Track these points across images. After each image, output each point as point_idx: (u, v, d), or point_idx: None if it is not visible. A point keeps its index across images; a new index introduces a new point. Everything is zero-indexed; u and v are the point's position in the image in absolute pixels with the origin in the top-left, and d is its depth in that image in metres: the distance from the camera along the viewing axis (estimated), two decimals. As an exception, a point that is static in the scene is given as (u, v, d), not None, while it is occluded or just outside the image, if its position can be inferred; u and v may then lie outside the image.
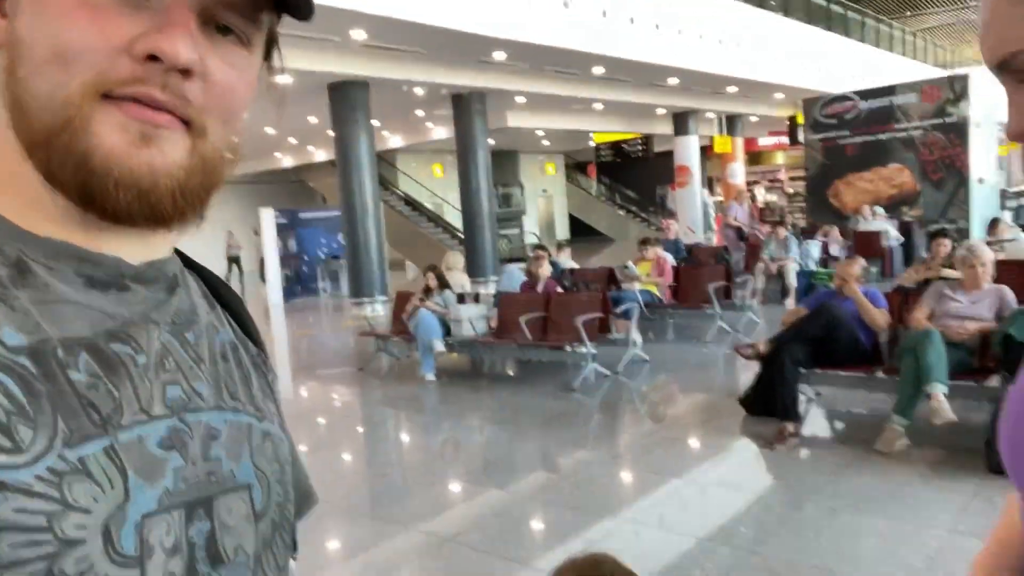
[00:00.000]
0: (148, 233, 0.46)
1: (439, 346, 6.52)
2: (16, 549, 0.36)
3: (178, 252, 0.53)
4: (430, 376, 6.59)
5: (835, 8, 19.57)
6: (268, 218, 15.00)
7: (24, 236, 0.43)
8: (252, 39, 0.47)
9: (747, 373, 5.30)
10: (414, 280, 14.68)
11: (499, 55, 11.29)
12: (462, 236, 14.52)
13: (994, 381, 4.03)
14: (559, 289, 6.97)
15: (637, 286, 7.50)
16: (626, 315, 6.55)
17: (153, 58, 0.41)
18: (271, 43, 0.50)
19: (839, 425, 4.86)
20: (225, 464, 0.47)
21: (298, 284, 15.95)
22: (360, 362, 7.74)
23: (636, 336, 6.50)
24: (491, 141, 14.69)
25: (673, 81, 15.06)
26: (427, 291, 6.95)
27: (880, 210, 11.73)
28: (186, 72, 0.42)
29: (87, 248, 0.44)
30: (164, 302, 0.48)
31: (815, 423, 4.79)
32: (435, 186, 22.09)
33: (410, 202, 20.65)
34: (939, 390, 3.89)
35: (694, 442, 4.75)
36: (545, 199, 26.37)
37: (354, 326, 9.91)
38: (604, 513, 3.60)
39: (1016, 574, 0.85)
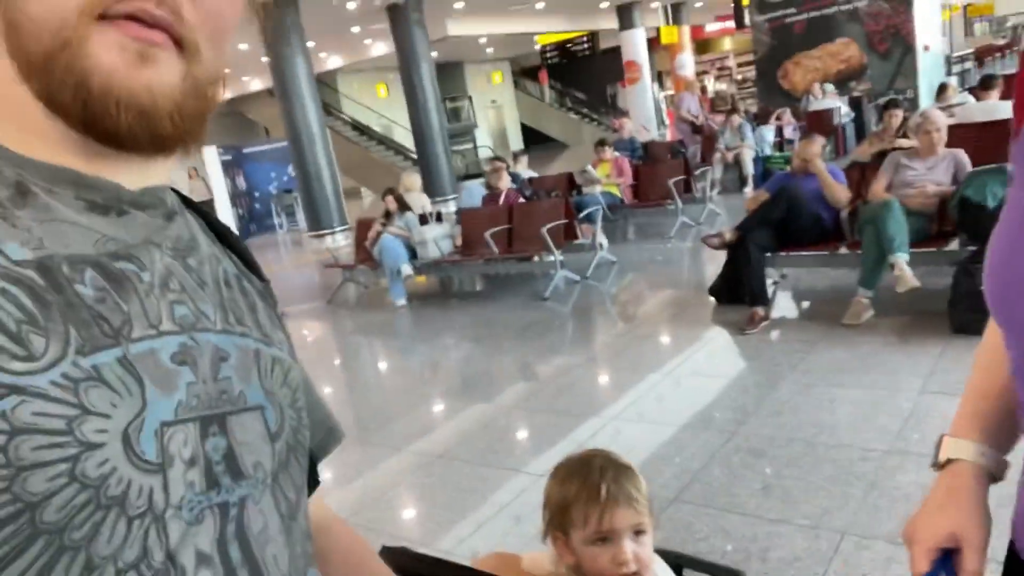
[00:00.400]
0: (146, 160, 0.46)
1: (407, 270, 6.47)
2: (38, 451, 0.36)
3: (174, 191, 0.53)
4: (401, 301, 6.56)
5: None
6: (211, 156, 14.45)
7: (22, 161, 0.42)
8: None
9: (713, 264, 5.36)
10: (372, 206, 14.43)
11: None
12: (415, 157, 14.20)
13: (954, 245, 4.13)
14: (521, 200, 6.90)
15: (598, 189, 7.46)
16: (590, 219, 6.53)
17: None
18: None
19: (806, 304, 4.99)
20: (235, 385, 0.47)
21: (252, 222, 15.57)
22: (327, 295, 7.66)
23: (602, 239, 6.51)
24: (434, 53, 14.16)
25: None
26: (388, 215, 6.83)
27: (830, 87, 11.71)
28: None
29: (85, 172, 0.44)
30: (163, 227, 0.48)
31: (784, 304, 4.91)
32: (381, 107, 21.41)
33: (357, 126, 20.04)
34: (901, 258, 3.98)
35: (667, 336, 4.84)
36: (495, 110, 25.78)
37: (317, 259, 9.76)
38: (587, 414, 3.68)
39: (999, 417, 0.86)
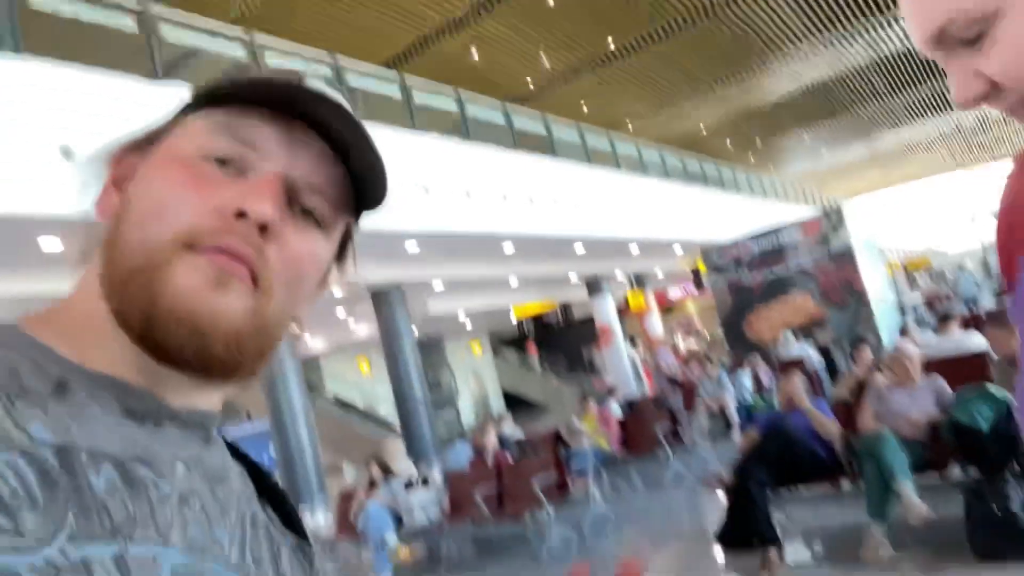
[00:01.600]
0: (197, 382, 0.47)
1: (392, 539, 6.08)
2: None
3: (227, 443, 0.54)
4: (386, 575, 6.07)
5: (708, 168, 21.68)
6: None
7: (71, 366, 0.44)
8: (329, 226, 0.51)
9: (714, 510, 5.13)
10: (354, 483, 13.96)
11: (412, 247, 11.70)
12: (399, 431, 14.12)
13: (955, 470, 4.04)
14: (509, 459, 6.75)
15: (586, 441, 7.37)
16: (581, 472, 6.36)
17: (241, 216, 0.46)
18: (346, 243, 0.56)
19: (820, 542, 4.70)
20: None
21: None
22: None
23: (595, 491, 6.28)
24: (415, 331, 14.80)
25: (579, 248, 15.92)
26: (372, 484, 6.60)
27: (790, 335, 12.22)
28: (265, 230, 0.46)
29: (131, 383, 0.45)
30: (198, 450, 0.48)
31: (796, 545, 4.62)
32: (364, 382, 21.74)
33: (341, 403, 20.14)
34: (907, 487, 3.86)
35: (679, 592, 4.46)
36: (476, 378, 26.30)
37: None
38: None
39: None
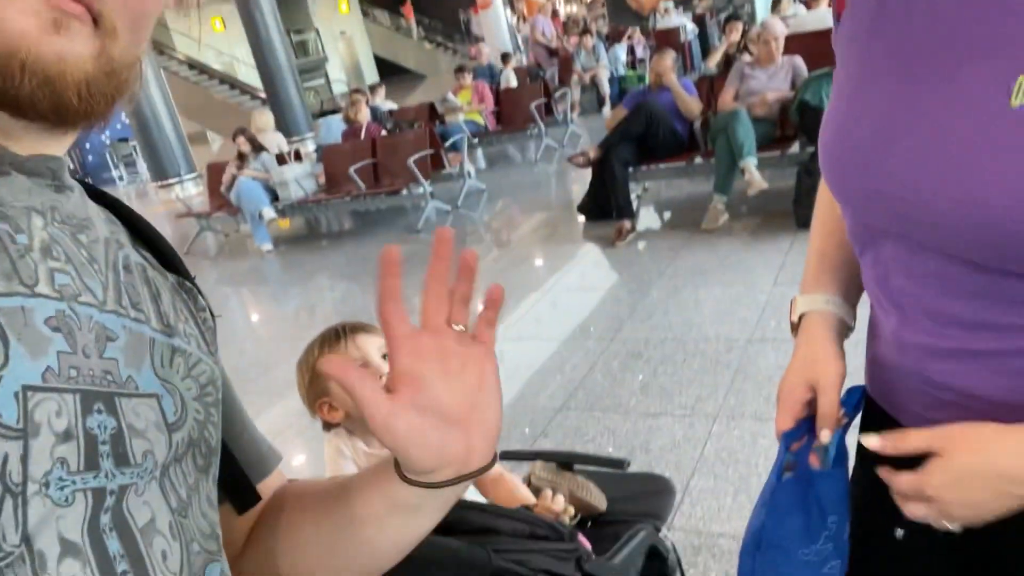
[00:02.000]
0: (44, 131, 0.44)
1: (269, 213, 6.17)
2: None
3: (84, 184, 0.50)
4: (266, 246, 6.27)
5: None
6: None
7: None
8: None
9: (580, 183, 5.48)
10: (221, 151, 13.55)
11: None
12: (263, 96, 13.37)
13: (795, 147, 4.44)
14: (383, 133, 6.70)
15: (461, 117, 7.37)
16: (455, 147, 6.46)
17: None
18: None
19: (668, 213, 5.23)
20: (123, 369, 0.43)
21: (87, 176, 14.24)
22: (184, 246, 7.20)
23: (469, 166, 6.48)
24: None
25: None
26: (241, 158, 6.44)
27: (670, 5, 12.01)
28: None
29: None
30: (51, 198, 0.44)
31: (647, 216, 5.12)
32: (219, 43, 19.85)
33: (195, 65, 18.52)
34: (751, 163, 4.24)
35: (541, 257, 4.95)
36: (345, 41, 24.59)
37: (168, 211, 9.10)
38: (472, 338, 3.72)
39: (841, 270, 0.91)
